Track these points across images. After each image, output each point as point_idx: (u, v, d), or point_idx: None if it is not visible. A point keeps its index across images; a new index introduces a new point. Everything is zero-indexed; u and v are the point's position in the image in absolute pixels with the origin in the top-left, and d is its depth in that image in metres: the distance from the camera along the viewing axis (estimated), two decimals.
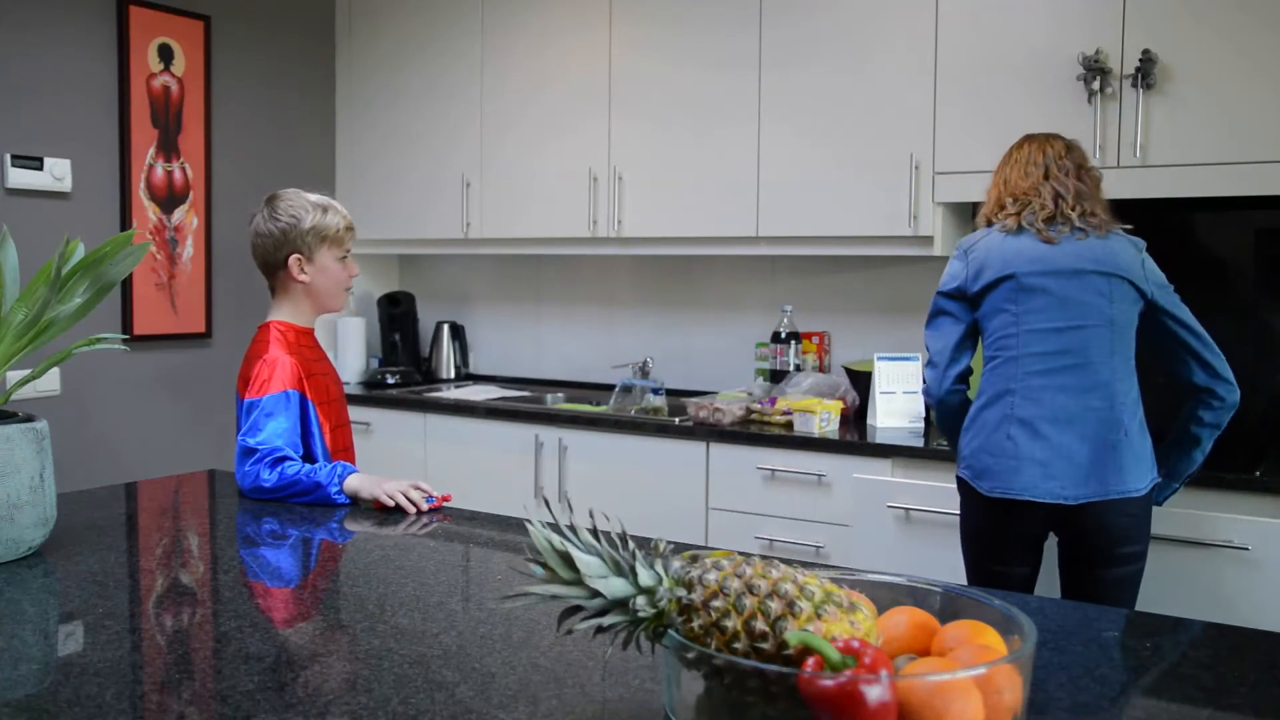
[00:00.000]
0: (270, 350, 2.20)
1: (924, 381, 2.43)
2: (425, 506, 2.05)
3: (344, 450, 2.32)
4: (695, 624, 0.99)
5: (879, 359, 3.21)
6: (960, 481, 2.32)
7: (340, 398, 2.36)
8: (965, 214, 3.28)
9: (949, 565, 2.49)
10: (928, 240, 3.11)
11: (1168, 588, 2.39)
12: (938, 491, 2.64)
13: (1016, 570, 2.25)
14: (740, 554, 1.06)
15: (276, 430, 2.12)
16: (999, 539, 2.25)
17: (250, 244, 2.28)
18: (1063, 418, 2.18)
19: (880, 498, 2.75)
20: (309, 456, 2.20)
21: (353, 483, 2.08)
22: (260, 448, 2.10)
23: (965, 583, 2.33)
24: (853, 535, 2.83)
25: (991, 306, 2.29)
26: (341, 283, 2.30)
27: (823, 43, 3.24)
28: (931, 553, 2.65)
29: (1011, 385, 2.23)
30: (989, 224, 2.39)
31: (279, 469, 2.08)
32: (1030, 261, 2.24)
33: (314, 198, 2.29)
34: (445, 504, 2.10)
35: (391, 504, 2.04)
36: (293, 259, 2.24)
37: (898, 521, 2.74)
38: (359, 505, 2.09)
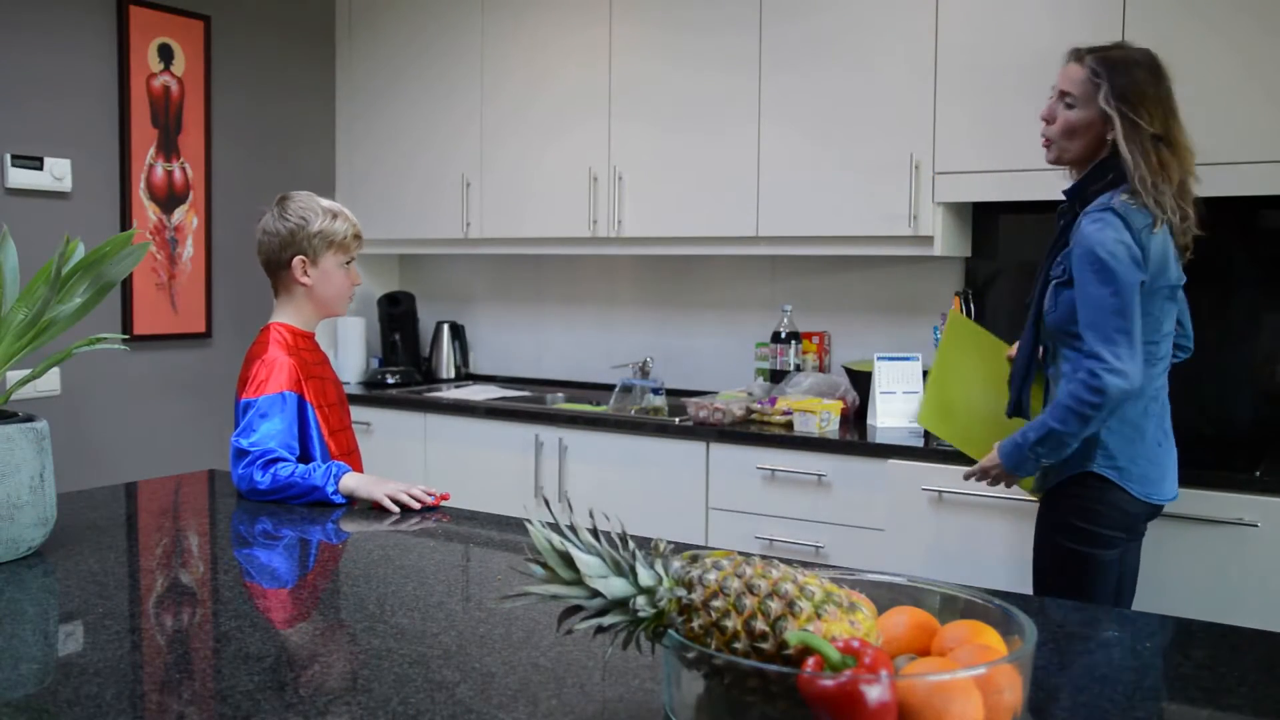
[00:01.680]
0: (269, 351, 2.20)
1: (1117, 371, 2.02)
2: (427, 502, 2.06)
3: (349, 454, 2.32)
4: (695, 624, 0.99)
5: (879, 359, 3.21)
6: (1099, 477, 2.15)
7: (341, 401, 2.35)
8: (965, 214, 3.28)
9: (984, 550, 2.49)
10: (928, 240, 3.11)
11: (1175, 566, 2.41)
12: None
13: (1111, 554, 2.21)
14: (740, 554, 1.06)
15: (270, 432, 2.11)
16: (1130, 530, 2.22)
17: (256, 241, 2.29)
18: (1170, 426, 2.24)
19: (914, 480, 2.79)
20: (306, 459, 2.20)
21: (349, 482, 2.08)
22: (252, 449, 2.09)
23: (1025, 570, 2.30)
24: (891, 521, 2.83)
25: (1149, 302, 2.13)
26: (344, 289, 2.31)
27: (823, 43, 3.24)
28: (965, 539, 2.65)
29: (1154, 391, 2.18)
30: (1152, 188, 2.07)
31: (271, 471, 2.08)
32: (1175, 264, 2.17)
33: (326, 203, 2.30)
34: (443, 503, 2.10)
35: (393, 506, 2.04)
36: (297, 260, 2.24)
37: (931, 505, 2.73)
38: (357, 505, 2.09)
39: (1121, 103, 2.09)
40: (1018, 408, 2.30)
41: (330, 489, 2.07)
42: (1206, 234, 2.18)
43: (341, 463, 2.15)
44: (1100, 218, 2.06)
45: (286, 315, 2.28)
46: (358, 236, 2.32)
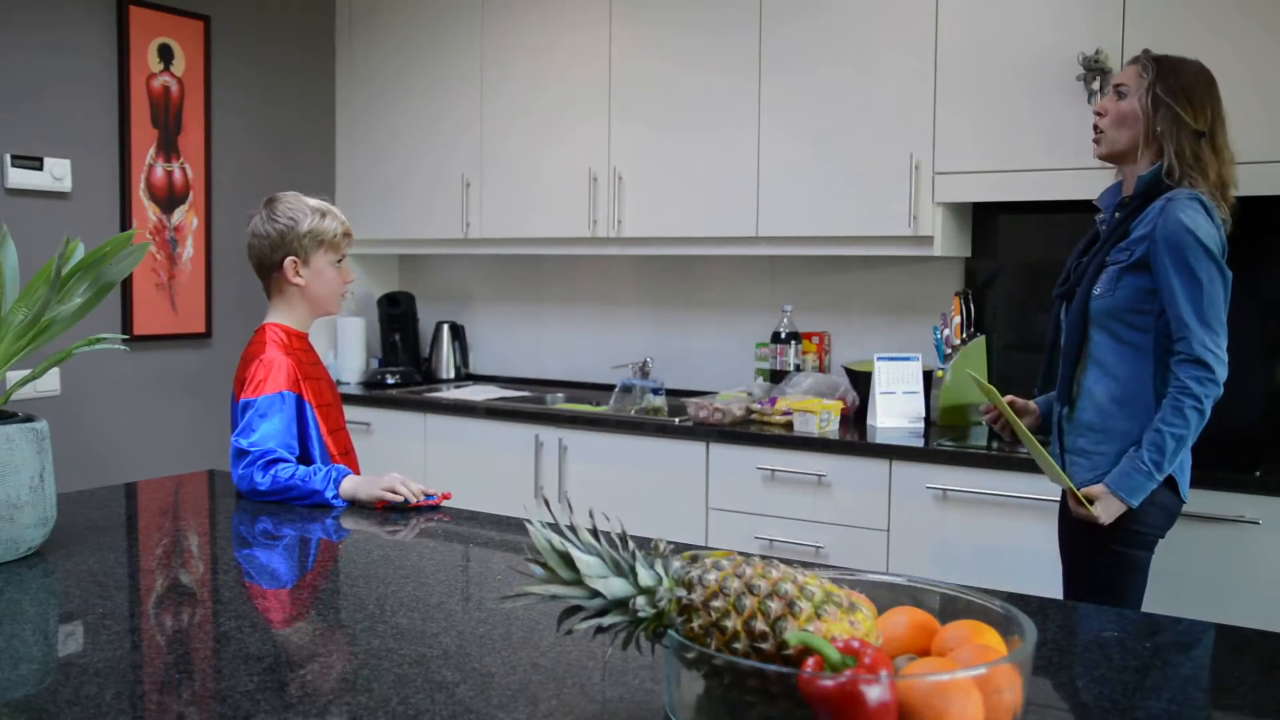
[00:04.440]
0: (267, 351, 2.20)
1: (1224, 361, 2.06)
2: (421, 498, 2.07)
3: (345, 454, 2.32)
4: (695, 624, 0.99)
5: (879, 359, 3.21)
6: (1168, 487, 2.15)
7: (336, 401, 2.35)
8: (965, 214, 3.28)
9: (985, 551, 2.49)
10: (927, 240, 3.11)
11: (1176, 565, 2.41)
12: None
13: (1150, 554, 2.21)
14: (740, 554, 1.06)
15: (269, 432, 2.11)
16: (1168, 528, 2.22)
17: (247, 244, 2.29)
18: None
19: (915, 480, 2.79)
20: (306, 459, 2.20)
21: (348, 486, 2.08)
22: (252, 450, 2.09)
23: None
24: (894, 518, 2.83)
25: None
26: (336, 288, 2.31)
27: (823, 43, 3.24)
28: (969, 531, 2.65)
29: None
30: (1217, 189, 2.16)
31: (272, 472, 2.08)
32: None
33: (313, 202, 2.29)
34: (445, 502, 2.10)
35: (396, 498, 2.04)
36: (288, 261, 2.24)
37: (932, 505, 2.73)
38: (358, 506, 2.08)
39: (1167, 94, 2.15)
40: (1068, 396, 2.25)
41: (330, 494, 2.07)
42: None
43: (342, 466, 2.15)
44: (1194, 206, 2.09)
45: (281, 316, 2.28)
46: (347, 234, 2.32)
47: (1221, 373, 2.05)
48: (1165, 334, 2.12)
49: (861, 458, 2.94)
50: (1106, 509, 2.12)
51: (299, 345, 2.28)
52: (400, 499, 2.04)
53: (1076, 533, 2.21)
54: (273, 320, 2.28)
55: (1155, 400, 2.13)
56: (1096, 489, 2.13)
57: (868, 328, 3.58)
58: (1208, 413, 2.06)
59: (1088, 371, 2.21)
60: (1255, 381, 2.96)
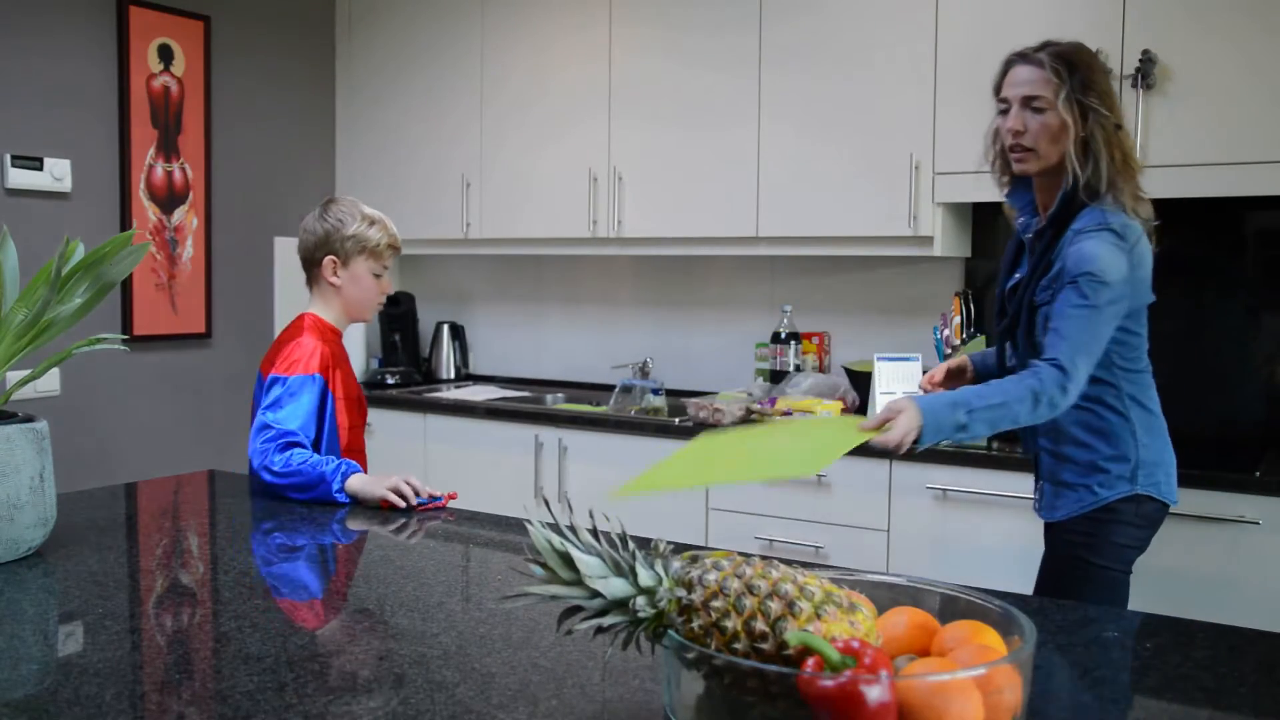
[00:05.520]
0: (305, 335, 2.27)
1: (1068, 388, 1.91)
2: (424, 495, 2.08)
3: (358, 451, 2.35)
4: (695, 624, 0.99)
5: (879, 359, 3.21)
6: (1141, 497, 2.05)
7: (358, 397, 2.39)
8: (965, 214, 3.28)
9: (985, 551, 2.48)
10: (927, 240, 3.11)
11: (1175, 565, 2.41)
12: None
13: (1132, 565, 2.13)
14: (740, 554, 1.06)
15: (295, 412, 2.15)
16: (1153, 533, 2.13)
17: (298, 238, 2.38)
18: None
19: (916, 480, 2.78)
20: (318, 446, 2.22)
21: (354, 483, 2.08)
22: (276, 426, 2.13)
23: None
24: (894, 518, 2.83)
25: (1138, 316, 2.05)
26: (371, 296, 2.37)
27: (823, 43, 3.24)
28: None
29: (1152, 396, 2.11)
30: (1126, 199, 2.00)
31: (288, 455, 2.10)
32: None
33: (369, 210, 2.36)
34: (451, 503, 2.10)
35: (398, 500, 2.05)
36: (327, 260, 2.32)
37: (932, 505, 2.73)
38: (360, 505, 2.08)
39: (1088, 95, 2.01)
40: (1034, 435, 2.16)
41: (336, 486, 2.07)
42: (1160, 224, 2.07)
43: (352, 462, 2.15)
44: (1101, 237, 1.95)
45: (318, 308, 2.36)
46: (393, 247, 2.37)
47: (1068, 401, 1.91)
48: (1117, 352, 2.02)
49: (861, 458, 2.93)
50: (905, 424, 1.91)
51: (331, 339, 2.33)
52: (403, 505, 2.04)
53: (1059, 552, 2.12)
54: (311, 310, 2.36)
55: (1123, 420, 2.04)
56: (901, 401, 1.94)
57: (868, 328, 3.58)
58: (1034, 419, 1.92)
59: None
60: (1255, 381, 2.96)
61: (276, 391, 2.17)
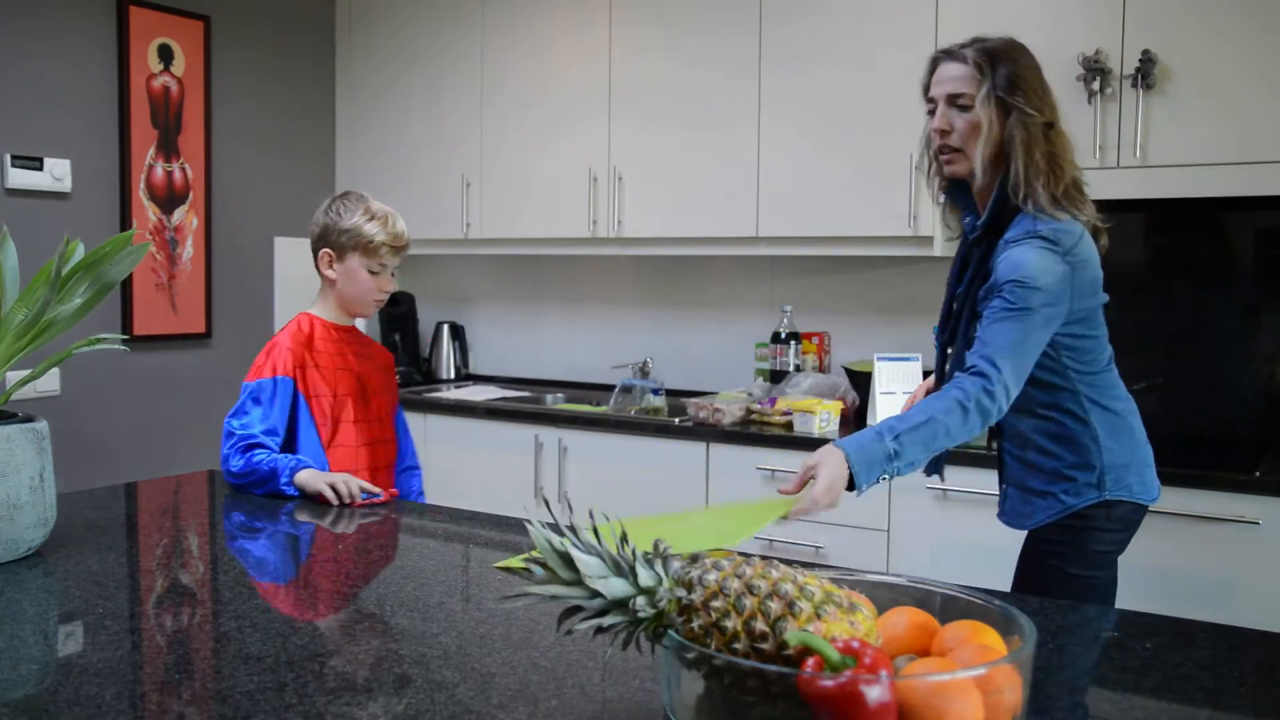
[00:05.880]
0: (279, 337, 2.28)
1: (987, 392, 1.81)
2: (359, 498, 2.09)
3: (372, 444, 2.33)
4: (695, 624, 0.99)
5: (879, 359, 3.21)
6: (1112, 502, 1.98)
7: (364, 392, 2.34)
8: None
9: (986, 551, 2.48)
10: (927, 240, 3.11)
11: (1175, 565, 2.41)
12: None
13: (1115, 565, 2.08)
14: (740, 554, 1.06)
15: (257, 416, 2.18)
16: (1126, 544, 2.07)
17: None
18: None
19: (916, 480, 2.73)
20: (292, 445, 2.23)
21: (301, 477, 2.12)
22: (237, 431, 2.17)
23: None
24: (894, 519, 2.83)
25: (1094, 318, 1.98)
26: (366, 293, 2.33)
27: (823, 43, 3.24)
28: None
29: (1125, 394, 2.04)
30: (1072, 187, 1.91)
31: (247, 456, 2.14)
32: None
33: (377, 206, 2.34)
34: (388, 500, 2.15)
35: (333, 496, 2.07)
36: (323, 253, 2.32)
37: (933, 505, 2.73)
38: (305, 498, 2.11)
39: (1008, 93, 1.90)
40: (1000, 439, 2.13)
41: (284, 480, 2.11)
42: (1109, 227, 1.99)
43: (303, 458, 2.17)
44: (1031, 245, 1.87)
45: (317, 307, 2.37)
46: (392, 247, 2.32)
47: (1001, 397, 1.81)
48: (1069, 356, 1.95)
49: None
50: (828, 475, 1.71)
51: (332, 336, 2.33)
52: (335, 503, 2.07)
53: (1035, 563, 2.07)
54: (310, 310, 2.36)
55: (1084, 425, 1.98)
56: (817, 454, 1.76)
57: (868, 328, 3.58)
58: (969, 433, 1.81)
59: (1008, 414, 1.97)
60: (1255, 381, 2.96)
61: (241, 397, 2.22)
